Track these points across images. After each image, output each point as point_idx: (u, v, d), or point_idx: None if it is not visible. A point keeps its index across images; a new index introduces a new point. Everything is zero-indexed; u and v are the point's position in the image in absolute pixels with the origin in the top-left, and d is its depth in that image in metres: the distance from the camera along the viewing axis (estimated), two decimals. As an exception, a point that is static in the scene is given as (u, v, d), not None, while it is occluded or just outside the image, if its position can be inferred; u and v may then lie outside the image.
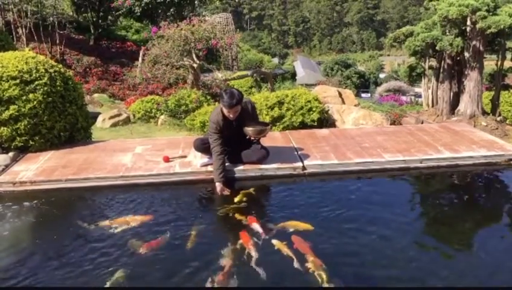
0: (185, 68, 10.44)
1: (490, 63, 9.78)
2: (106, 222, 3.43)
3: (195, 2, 15.37)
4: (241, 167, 4.32)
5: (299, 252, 2.85)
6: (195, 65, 9.75)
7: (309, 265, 2.70)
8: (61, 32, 12.54)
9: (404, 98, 15.26)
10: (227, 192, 3.92)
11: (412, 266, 2.85)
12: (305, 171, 4.35)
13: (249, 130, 4.20)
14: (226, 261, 2.80)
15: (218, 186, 3.95)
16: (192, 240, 3.11)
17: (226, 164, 4.17)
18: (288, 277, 2.71)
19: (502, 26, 7.59)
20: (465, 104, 8.49)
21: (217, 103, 8.43)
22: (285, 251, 2.88)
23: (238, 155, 4.36)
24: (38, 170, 4.44)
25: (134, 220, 3.45)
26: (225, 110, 4.05)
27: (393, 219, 3.47)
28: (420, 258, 2.94)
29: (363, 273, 2.73)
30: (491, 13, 7.89)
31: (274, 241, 3.00)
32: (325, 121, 7.71)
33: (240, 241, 3.04)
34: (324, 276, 2.59)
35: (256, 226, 3.26)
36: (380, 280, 2.68)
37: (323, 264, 2.71)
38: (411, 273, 2.77)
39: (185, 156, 4.70)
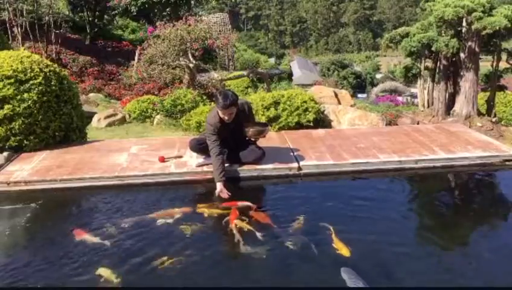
0: (181, 68, 10.41)
1: (486, 64, 9.81)
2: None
3: (192, 1, 15.34)
4: (237, 168, 4.32)
5: (260, 223, 3.30)
6: (191, 65, 9.72)
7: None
8: (57, 31, 12.45)
9: (400, 98, 15.25)
10: (226, 194, 3.86)
11: (407, 266, 2.85)
12: (301, 171, 4.35)
13: (249, 130, 4.19)
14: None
15: (219, 186, 3.92)
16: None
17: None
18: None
19: (497, 27, 7.61)
20: (461, 105, 8.51)
21: (213, 103, 8.41)
22: (248, 227, 3.23)
23: (235, 156, 4.35)
24: (32, 169, 4.42)
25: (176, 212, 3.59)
26: (220, 113, 4.04)
27: (388, 220, 3.47)
28: (414, 259, 2.94)
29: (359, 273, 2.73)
30: (486, 14, 7.91)
31: (236, 221, 3.31)
32: (321, 121, 7.71)
33: (227, 217, 3.38)
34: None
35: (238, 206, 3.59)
36: (377, 280, 2.69)
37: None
38: (406, 275, 2.77)
39: (180, 156, 4.69)
